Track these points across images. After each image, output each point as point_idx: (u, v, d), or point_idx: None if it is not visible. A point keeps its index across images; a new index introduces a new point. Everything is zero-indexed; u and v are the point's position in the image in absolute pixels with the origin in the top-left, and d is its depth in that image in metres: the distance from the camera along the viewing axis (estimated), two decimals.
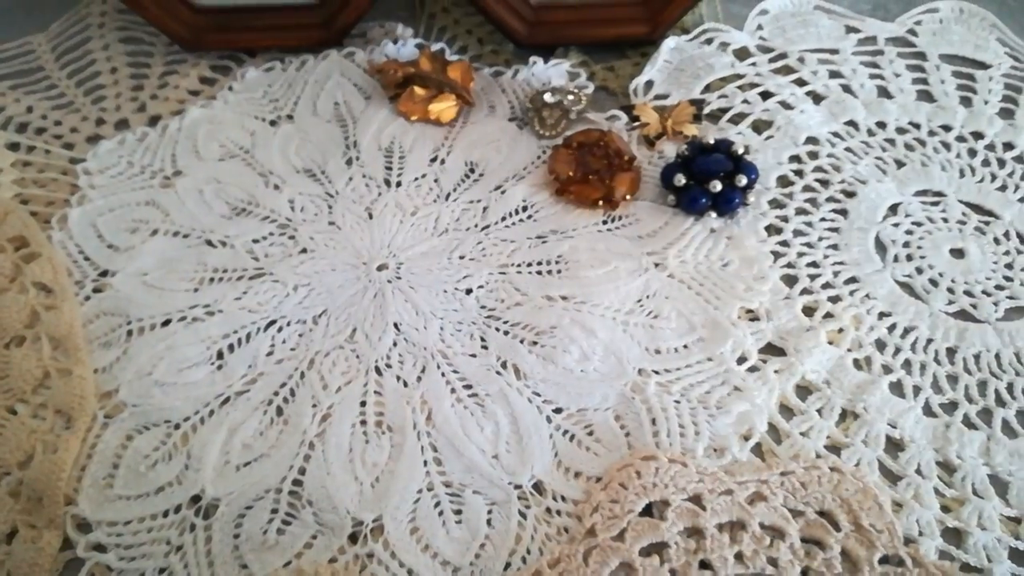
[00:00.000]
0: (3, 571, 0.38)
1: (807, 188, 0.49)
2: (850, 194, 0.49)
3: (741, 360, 0.42)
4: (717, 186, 0.46)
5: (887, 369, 0.42)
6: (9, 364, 0.43)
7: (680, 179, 0.47)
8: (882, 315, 0.44)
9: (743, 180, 0.46)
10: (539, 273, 0.46)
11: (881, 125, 0.53)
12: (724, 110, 0.53)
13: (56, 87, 0.56)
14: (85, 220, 0.48)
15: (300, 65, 0.56)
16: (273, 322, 0.44)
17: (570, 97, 0.53)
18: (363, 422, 0.41)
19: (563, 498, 0.38)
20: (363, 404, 0.41)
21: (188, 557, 0.37)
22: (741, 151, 0.47)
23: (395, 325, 0.44)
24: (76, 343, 0.43)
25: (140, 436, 0.41)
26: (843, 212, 0.48)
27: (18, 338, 0.44)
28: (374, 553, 0.37)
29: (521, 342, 0.43)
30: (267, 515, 0.38)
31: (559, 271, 0.46)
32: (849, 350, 0.43)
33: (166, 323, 0.44)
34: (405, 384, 0.42)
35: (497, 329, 0.44)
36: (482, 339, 0.43)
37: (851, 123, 0.53)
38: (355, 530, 0.38)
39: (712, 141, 0.48)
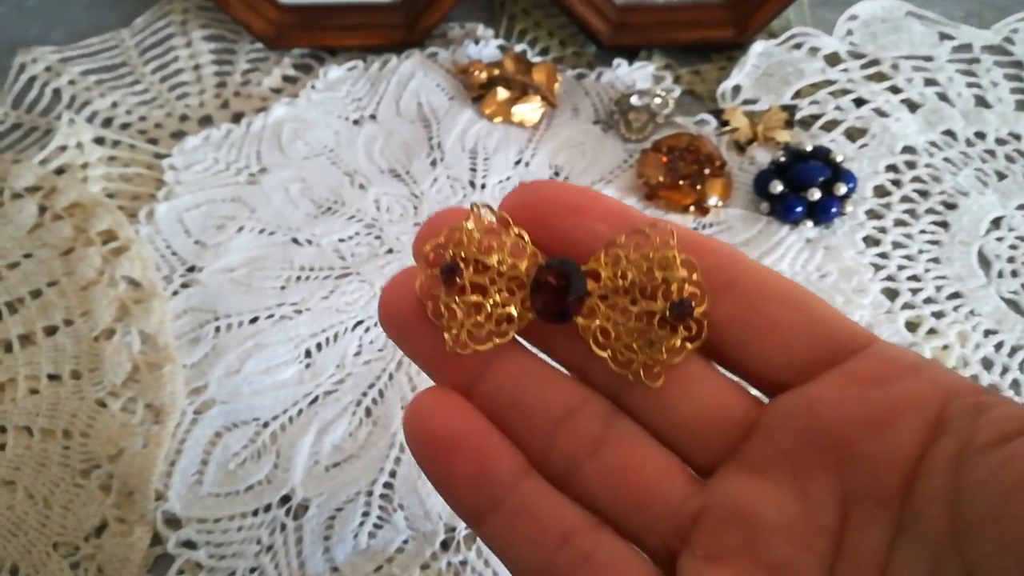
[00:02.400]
0: (93, 564, 0.38)
1: (905, 199, 0.48)
2: (951, 206, 0.48)
3: None
4: (816, 194, 0.45)
5: (995, 389, 0.41)
6: (99, 357, 0.43)
7: (777, 186, 0.45)
8: (988, 333, 0.43)
9: (843, 189, 0.45)
10: None
11: (980, 136, 0.51)
12: (816, 116, 0.51)
13: (140, 83, 0.57)
14: (172, 215, 0.48)
15: (383, 65, 0.56)
16: (360, 322, 0.44)
17: (657, 100, 0.52)
18: None
19: None
20: None
21: (279, 558, 0.37)
22: (840, 159, 0.46)
23: None
24: (165, 338, 0.43)
25: (229, 433, 0.40)
26: (944, 224, 0.47)
27: (107, 331, 0.44)
28: (467, 561, 0.36)
29: None
30: (358, 518, 0.38)
31: None
32: (955, 368, 0.41)
33: (253, 320, 0.44)
34: None
35: None
36: None
37: (949, 132, 0.51)
38: (447, 537, 0.37)
39: (809, 148, 0.46)
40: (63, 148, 0.51)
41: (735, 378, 0.21)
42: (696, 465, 0.21)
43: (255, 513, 0.38)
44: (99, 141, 0.53)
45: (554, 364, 0.22)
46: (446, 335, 0.21)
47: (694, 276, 0.20)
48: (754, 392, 0.21)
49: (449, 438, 0.20)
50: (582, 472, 0.21)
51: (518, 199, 0.22)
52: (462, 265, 0.21)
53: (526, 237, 0.21)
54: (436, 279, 0.21)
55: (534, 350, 0.22)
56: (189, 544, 0.38)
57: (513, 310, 0.21)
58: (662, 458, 0.21)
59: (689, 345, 0.21)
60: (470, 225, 0.21)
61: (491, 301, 0.21)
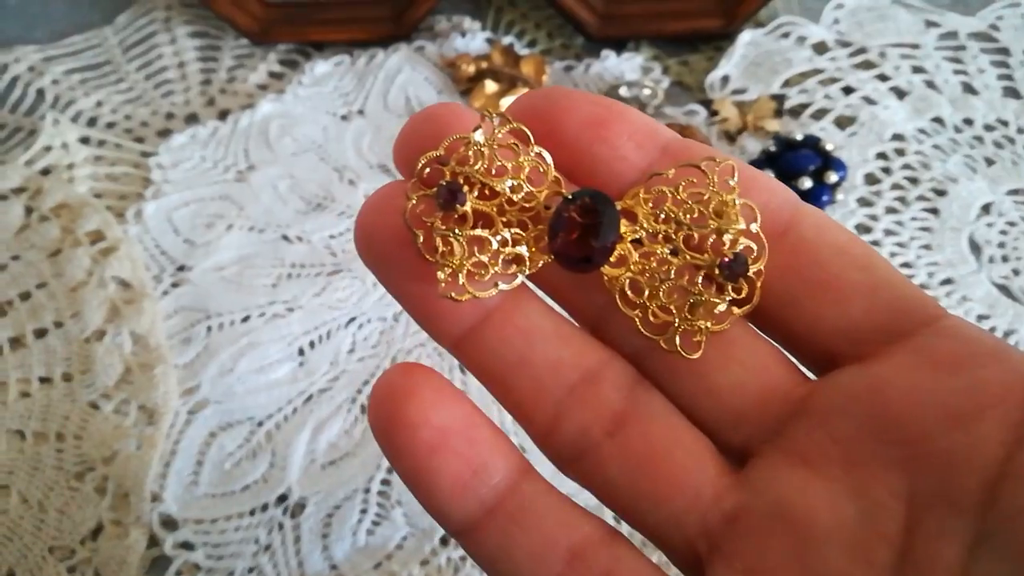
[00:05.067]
0: (90, 568, 0.37)
1: (895, 186, 0.48)
2: (941, 192, 0.48)
3: None
4: (807, 183, 0.45)
5: None
6: (91, 359, 0.42)
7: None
8: (980, 318, 0.43)
9: (833, 177, 0.45)
10: None
11: (968, 122, 0.51)
12: (805, 105, 0.52)
13: (124, 81, 0.56)
14: (161, 214, 0.48)
15: (369, 59, 0.55)
16: (353, 319, 0.44)
17: (646, 91, 0.52)
18: None
19: None
20: None
21: (277, 557, 0.37)
22: (830, 147, 0.46)
23: None
24: (157, 338, 0.43)
25: (224, 433, 0.40)
26: (934, 211, 0.47)
27: (98, 332, 0.43)
28: (468, 556, 0.36)
29: None
30: (356, 515, 0.38)
31: None
32: None
33: (245, 319, 0.44)
34: None
35: None
36: None
37: (937, 119, 0.51)
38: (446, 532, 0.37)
39: (800, 137, 0.46)
40: (48, 148, 0.51)
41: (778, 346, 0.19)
42: (729, 447, 0.18)
43: (252, 513, 0.38)
44: (84, 141, 0.52)
45: (567, 316, 0.19)
46: (440, 275, 0.17)
47: (752, 227, 0.17)
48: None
49: (430, 430, 0.17)
50: (597, 452, 0.18)
51: (525, 107, 0.18)
52: (465, 189, 0.17)
53: (547, 158, 0.17)
54: (431, 203, 0.17)
55: (544, 296, 0.19)
56: (186, 545, 0.38)
57: (524, 250, 0.18)
58: (692, 441, 0.18)
59: (736, 310, 0.17)
60: (479, 138, 0.17)
61: (498, 237, 0.17)
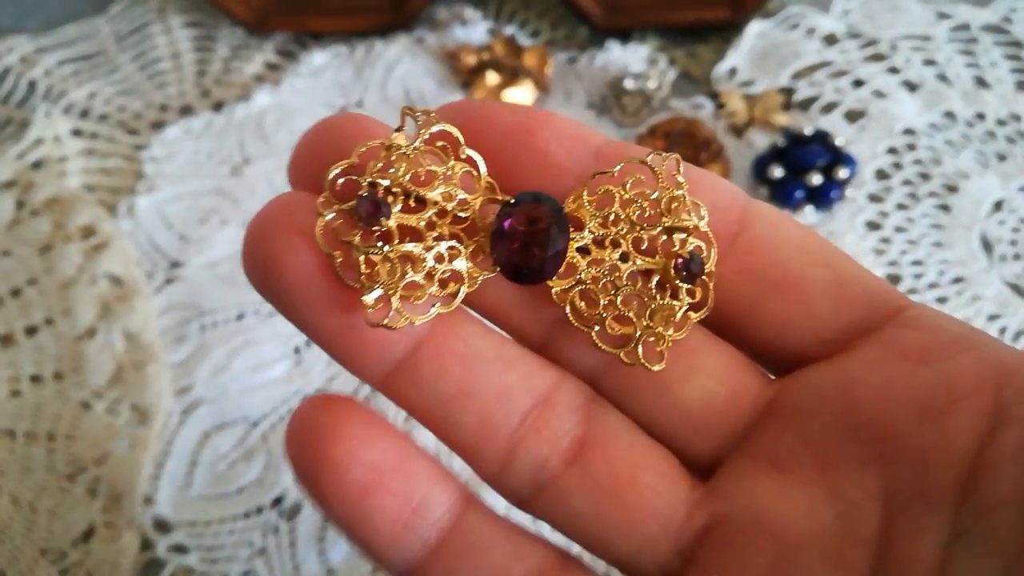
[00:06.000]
0: (82, 571, 0.37)
1: (906, 182, 0.47)
2: (952, 188, 0.47)
3: None
4: (817, 179, 0.44)
5: None
6: (82, 357, 0.41)
7: (776, 171, 0.44)
8: (991, 317, 0.42)
9: (844, 173, 0.44)
10: None
11: (980, 117, 0.50)
12: (814, 98, 0.50)
13: (117, 72, 0.55)
14: (154, 209, 0.47)
15: (368, 50, 0.54)
16: None
17: (651, 84, 0.51)
18: None
19: None
20: None
21: (273, 561, 0.36)
22: (839, 142, 0.45)
23: None
24: (149, 336, 0.42)
25: (218, 434, 0.39)
26: (945, 208, 0.46)
27: (90, 330, 0.42)
28: None
29: None
30: None
31: None
32: None
33: (240, 317, 0.43)
34: None
35: None
36: None
37: (948, 114, 0.50)
38: None
39: (809, 132, 0.45)
40: (39, 141, 0.50)
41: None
42: (694, 460, 0.17)
43: (247, 515, 0.37)
44: (77, 133, 0.51)
45: (507, 336, 0.17)
46: (367, 300, 0.15)
47: (701, 224, 0.16)
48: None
49: (360, 468, 0.15)
50: (558, 484, 0.16)
51: (445, 120, 0.16)
52: (390, 200, 0.15)
53: (480, 162, 0.16)
54: (348, 218, 0.15)
55: (480, 318, 0.17)
56: (179, 548, 0.37)
57: (463, 265, 0.16)
58: (658, 459, 0.17)
59: (693, 315, 0.16)
60: (401, 141, 0.15)
61: (433, 252, 0.15)
